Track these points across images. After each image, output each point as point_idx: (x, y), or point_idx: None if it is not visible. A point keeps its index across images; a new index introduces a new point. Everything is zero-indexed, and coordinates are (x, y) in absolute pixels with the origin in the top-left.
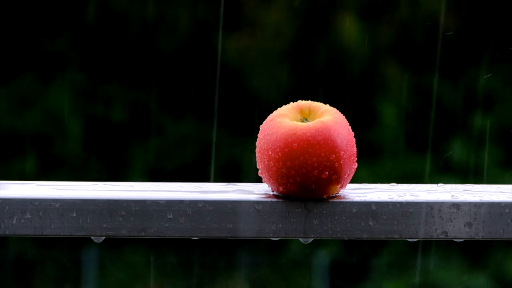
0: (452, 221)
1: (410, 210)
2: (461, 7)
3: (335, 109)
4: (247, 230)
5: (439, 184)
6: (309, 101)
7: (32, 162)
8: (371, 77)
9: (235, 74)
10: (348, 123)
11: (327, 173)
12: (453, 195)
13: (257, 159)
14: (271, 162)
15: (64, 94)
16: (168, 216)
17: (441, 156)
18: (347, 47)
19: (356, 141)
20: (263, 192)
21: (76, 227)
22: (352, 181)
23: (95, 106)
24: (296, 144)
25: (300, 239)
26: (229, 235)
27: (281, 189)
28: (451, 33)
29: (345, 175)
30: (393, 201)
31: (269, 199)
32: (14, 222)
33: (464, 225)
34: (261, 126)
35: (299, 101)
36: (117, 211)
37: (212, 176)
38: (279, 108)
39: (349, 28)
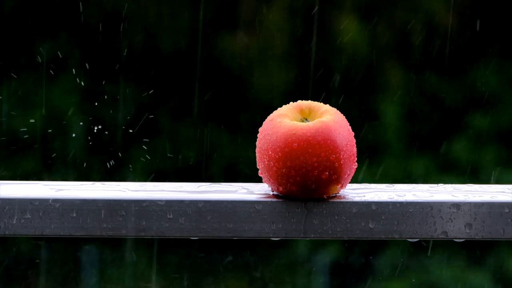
0: (452, 221)
1: (410, 210)
2: (461, 7)
3: (335, 109)
4: (247, 230)
5: (439, 184)
6: (309, 101)
7: (32, 162)
8: (371, 77)
9: (235, 74)
10: (348, 123)
11: (327, 173)
12: (453, 195)
13: (257, 159)
14: (271, 162)
15: (64, 93)
16: (168, 216)
17: (441, 156)
18: (347, 46)
19: (356, 141)
20: (263, 192)
21: (76, 227)
22: (352, 181)
23: (96, 106)
24: (296, 144)
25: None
26: (229, 235)
27: (281, 189)
28: (451, 32)
29: (345, 175)
30: (393, 201)
31: (269, 199)
32: (14, 222)
33: (464, 225)
34: (261, 126)
35: (299, 101)
36: (117, 211)
37: (212, 177)
38: (279, 108)
39: (349, 28)
